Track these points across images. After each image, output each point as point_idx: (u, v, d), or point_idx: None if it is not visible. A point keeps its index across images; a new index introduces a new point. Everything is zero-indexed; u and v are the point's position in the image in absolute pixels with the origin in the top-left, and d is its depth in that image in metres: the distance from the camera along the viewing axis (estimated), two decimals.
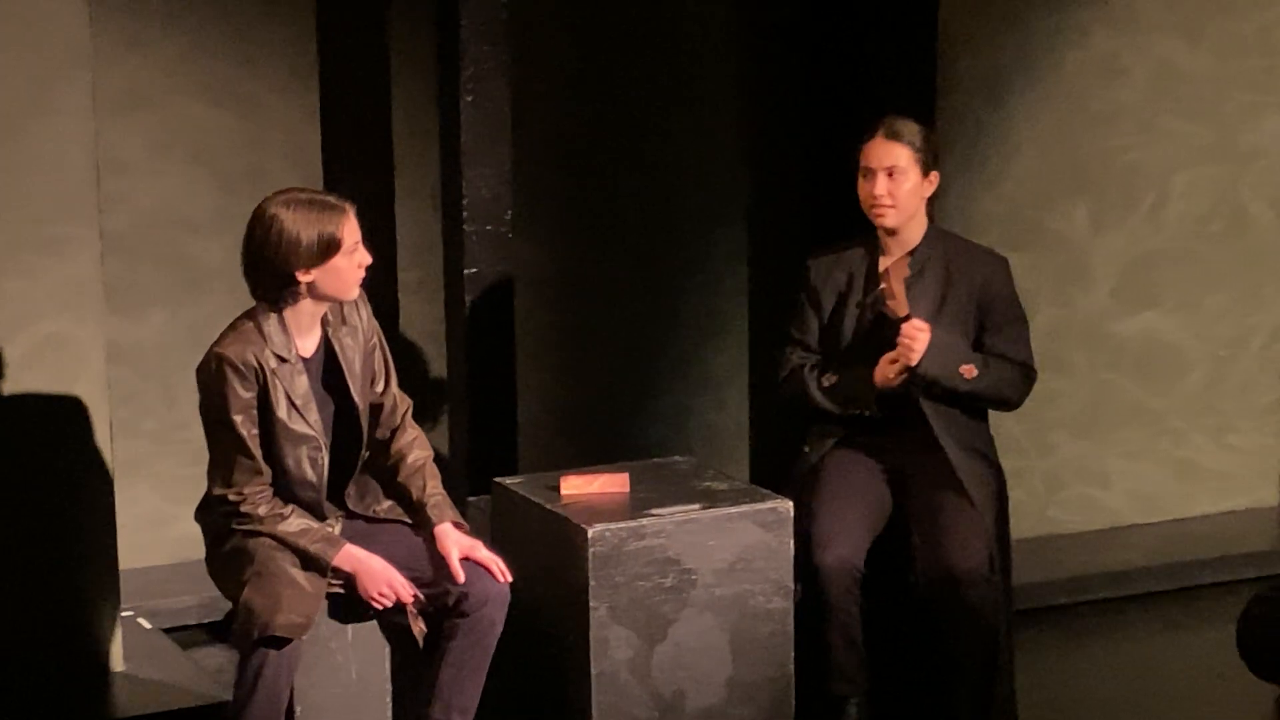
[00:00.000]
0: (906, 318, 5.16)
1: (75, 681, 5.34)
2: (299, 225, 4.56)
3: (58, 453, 5.31)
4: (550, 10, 6.54)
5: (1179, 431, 6.86)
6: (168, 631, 5.85)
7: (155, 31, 6.17)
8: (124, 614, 5.53)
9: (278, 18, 6.31)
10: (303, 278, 4.59)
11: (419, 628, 4.72)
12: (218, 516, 4.67)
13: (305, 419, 4.66)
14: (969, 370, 5.22)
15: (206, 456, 4.76)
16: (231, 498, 4.62)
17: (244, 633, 4.55)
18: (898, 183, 5.19)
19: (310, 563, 4.62)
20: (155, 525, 6.27)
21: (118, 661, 5.44)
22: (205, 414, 4.67)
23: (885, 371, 5.20)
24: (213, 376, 4.59)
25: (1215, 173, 6.75)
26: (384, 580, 4.65)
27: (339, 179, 6.23)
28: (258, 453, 4.62)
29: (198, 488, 4.85)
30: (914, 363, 5.16)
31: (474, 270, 6.07)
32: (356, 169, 6.34)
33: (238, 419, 4.59)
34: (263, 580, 4.56)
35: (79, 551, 5.34)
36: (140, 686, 5.38)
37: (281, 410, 4.62)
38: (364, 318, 4.82)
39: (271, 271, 4.58)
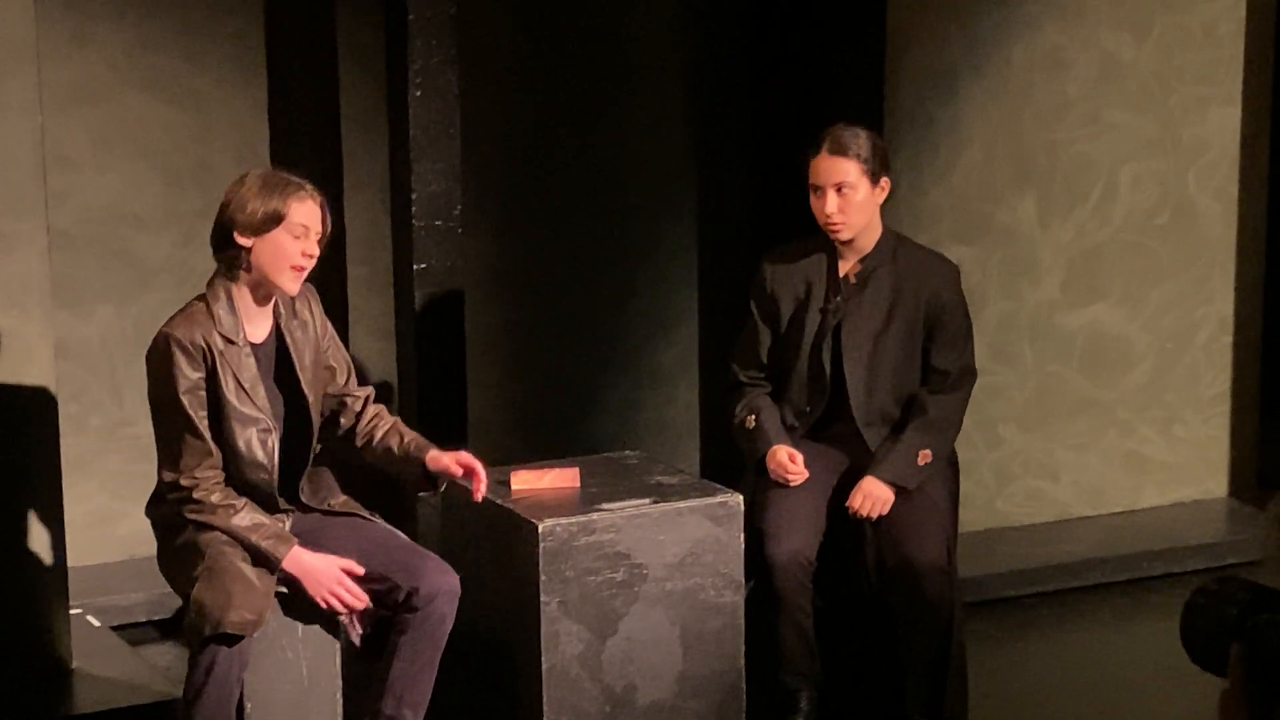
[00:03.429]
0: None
1: (24, 680, 5.31)
2: (254, 190, 4.63)
3: (5, 450, 5.28)
4: (499, 4, 6.54)
5: (1126, 424, 6.89)
6: (117, 629, 5.83)
7: (101, 26, 6.15)
8: (73, 612, 5.50)
9: (225, 11, 6.28)
10: (242, 241, 4.61)
11: (355, 632, 4.72)
12: (168, 504, 4.65)
13: (253, 401, 4.65)
14: (925, 456, 5.23)
15: (155, 452, 4.74)
16: (183, 483, 4.60)
17: (195, 629, 4.53)
18: (848, 198, 5.17)
19: (260, 559, 4.61)
20: (103, 522, 6.25)
21: (67, 660, 5.41)
22: (154, 396, 4.66)
23: (855, 503, 5.23)
24: (161, 356, 4.60)
25: (1162, 166, 6.78)
26: (331, 584, 4.64)
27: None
28: (207, 434, 4.61)
29: (146, 484, 4.83)
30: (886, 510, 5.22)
31: (423, 265, 6.07)
32: (305, 164, 6.31)
33: (185, 399, 4.58)
34: (213, 576, 4.55)
35: (27, 549, 5.31)
36: (90, 684, 5.36)
37: (230, 392, 4.62)
38: (315, 315, 4.83)
39: (219, 230, 4.64)
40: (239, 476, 4.67)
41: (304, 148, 6.38)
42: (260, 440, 4.67)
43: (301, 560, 4.63)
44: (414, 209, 6.03)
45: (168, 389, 4.59)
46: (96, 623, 5.74)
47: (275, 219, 4.61)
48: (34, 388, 5.31)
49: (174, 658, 5.80)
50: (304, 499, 4.83)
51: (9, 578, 5.30)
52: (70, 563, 5.48)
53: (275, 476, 4.73)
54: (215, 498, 4.61)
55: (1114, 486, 6.91)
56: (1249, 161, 6.90)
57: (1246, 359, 7.03)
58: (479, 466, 4.81)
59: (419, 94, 5.98)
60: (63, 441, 5.46)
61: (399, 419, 4.96)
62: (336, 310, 6.27)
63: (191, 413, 4.59)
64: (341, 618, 4.71)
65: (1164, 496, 6.98)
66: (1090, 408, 6.83)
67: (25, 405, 5.28)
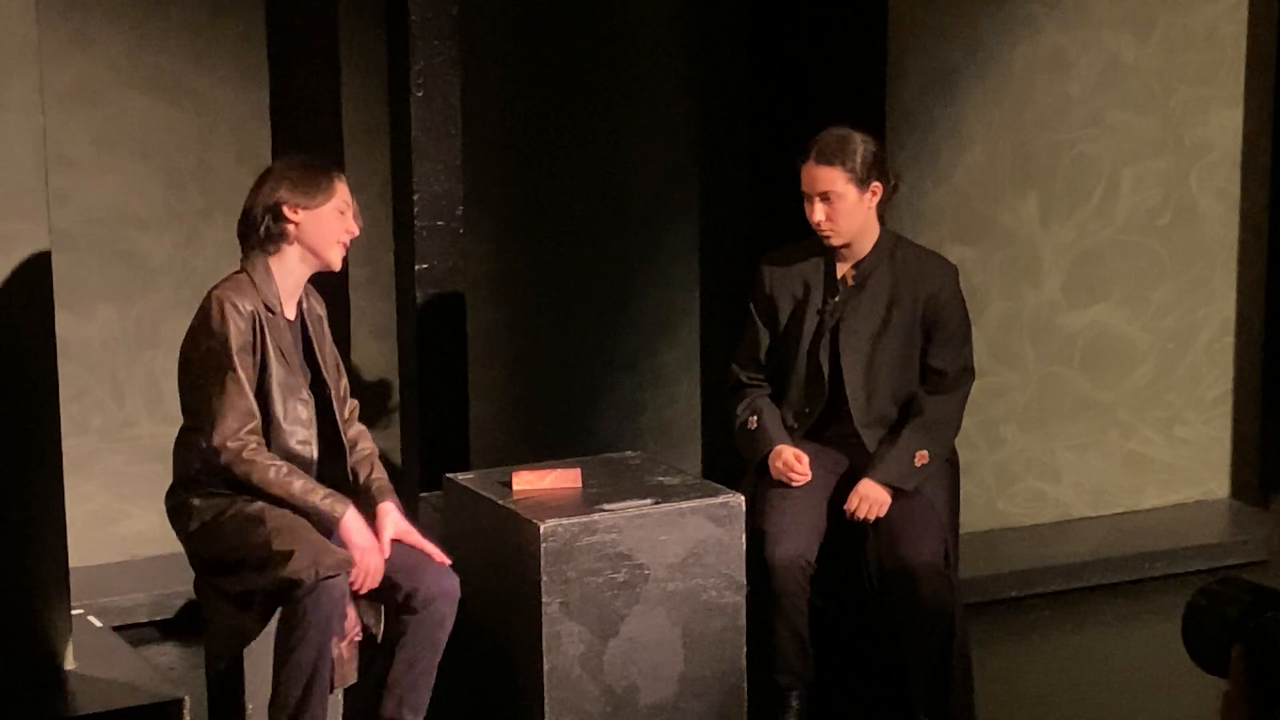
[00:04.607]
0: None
1: (26, 680, 5.31)
2: (296, 169, 4.75)
3: (6, 450, 5.28)
4: (500, 6, 6.54)
5: (1128, 424, 6.89)
6: (118, 629, 5.83)
7: (103, 27, 6.15)
8: (74, 612, 5.50)
9: (227, 12, 6.29)
10: (291, 216, 4.68)
11: (342, 672, 4.72)
12: (215, 469, 4.63)
13: (292, 369, 4.69)
14: (922, 457, 5.23)
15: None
16: (231, 445, 4.60)
17: (294, 581, 4.50)
18: (835, 205, 5.17)
19: (316, 519, 4.62)
20: (105, 523, 6.25)
21: (69, 660, 5.41)
22: (201, 358, 4.65)
23: (852, 505, 5.23)
24: (214, 318, 4.62)
25: (1163, 166, 6.78)
26: (373, 558, 4.64)
27: None
28: (253, 397, 4.63)
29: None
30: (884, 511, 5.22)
31: (425, 266, 6.07)
32: None
33: (238, 359, 4.61)
34: (285, 533, 4.56)
35: (29, 550, 5.31)
36: (91, 685, 5.35)
37: (273, 357, 4.67)
38: (325, 320, 4.89)
39: (264, 207, 4.68)
40: (282, 442, 4.68)
41: (306, 148, 6.37)
42: (301, 406, 4.71)
43: (359, 523, 4.65)
44: (415, 210, 6.04)
45: (222, 348, 4.61)
46: (98, 623, 5.74)
47: (328, 193, 4.71)
48: (35, 388, 5.31)
49: (175, 658, 5.80)
50: (355, 483, 4.85)
51: (10, 578, 5.30)
52: (71, 563, 5.47)
53: (315, 446, 4.74)
54: (264, 458, 4.62)
55: (1115, 487, 6.91)
56: (1251, 162, 6.90)
57: (1248, 360, 7.02)
58: (428, 549, 4.78)
59: (420, 95, 5.98)
60: (64, 442, 5.45)
61: (376, 450, 4.95)
62: (338, 311, 6.27)
63: (243, 373, 4.62)
64: (343, 649, 4.71)
65: (1165, 497, 6.98)
66: (1091, 408, 6.83)
67: (26, 406, 5.28)
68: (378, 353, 6.54)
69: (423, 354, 6.14)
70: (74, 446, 5.99)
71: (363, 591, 4.66)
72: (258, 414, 4.65)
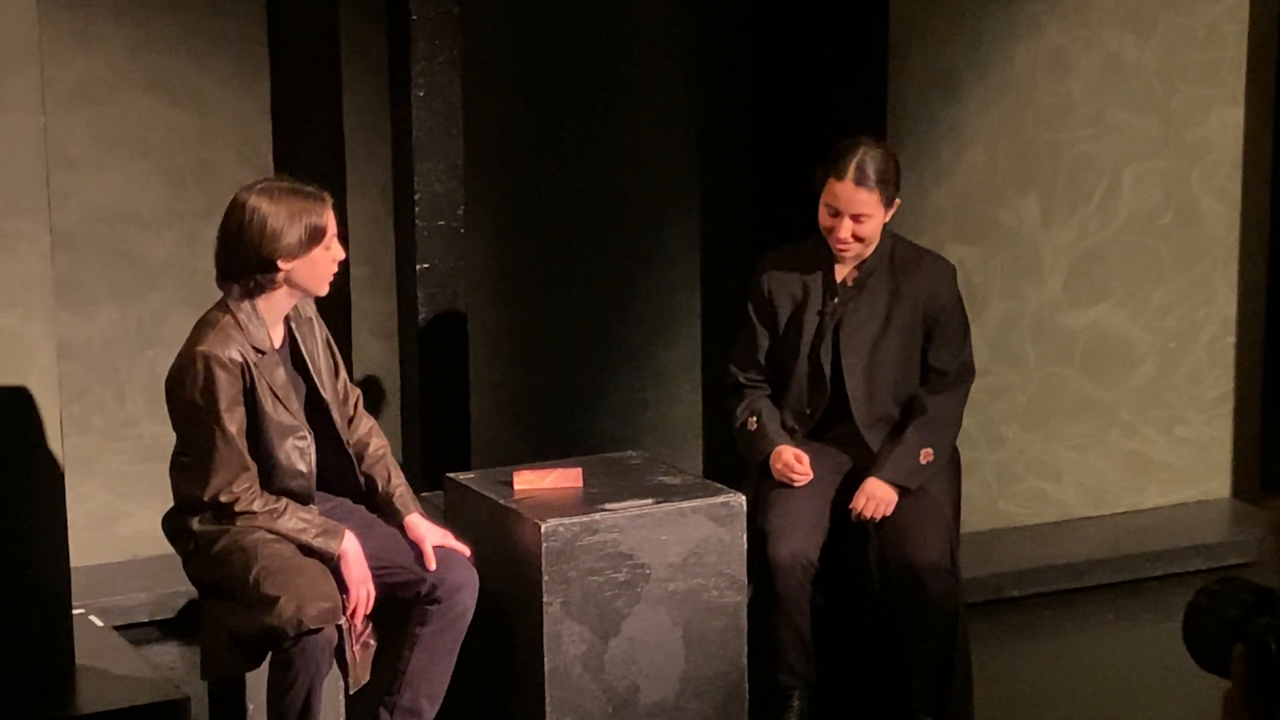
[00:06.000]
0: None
1: (27, 680, 5.31)
2: (284, 214, 4.56)
3: (7, 450, 5.28)
4: (500, 6, 6.54)
5: (1129, 424, 6.89)
6: (119, 629, 5.83)
7: (104, 26, 6.15)
8: (75, 612, 5.50)
9: (227, 12, 6.29)
10: (284, 266, 4.57)
11: (355, 674, 4.71)
12: (208, 521, 4.61)
13: (288, 408, 4.64)
14: (927, 455, 5.23)
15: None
16: (223, 499, 4.57)
17: (277, 632, 4.49)
18: (864, 225, 5.18)
19: (313, 555, 4.61)
20: (106, 522, 6.25)
21: (70, 660, 5.41)
22: (188, 414, 4.60)
23: (858, 505, 5.23)
24: (198, 375, 4.54)
25: (1164, 166, 6.77)
26: (365, 581, 4.64)
27: (290, 174, 6.20)
28: (245, 448, 4.58)
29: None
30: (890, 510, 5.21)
31: (426, 265, 6.07)
32: (308, 164, 6.32)
33: (227, 416, 4.54)
34: (275, 576, 4.52)
35: (30, 549, 5.31)
36: (93, 684, 5.35)
37: (267, 403, 4.60)
38: (314, 311, 4.82)
39: (253, 260, 4.56)
40: (279, 484, 4.65)
41: (307, 148, 6.38)
42: (298, 449, 4.66)
43: (356, 556, 4.63)
44: (417, 209, 6.04)
45: (208, 407, 4.55)
46: (99, 623, 5.74)
47: (319, 237, 4.59)
48: (36, 388, 5.31)
49: (176, 657, 5.80)
50: (366, 488, 4.84)
51: (12, 578, 5.30)
52: (73, 563, 5.48)
53: (313, 482, 4.72)
54: (257, 505, 4.59)
55: (1116, 487, 6.91)
56: (1251, 162, 6.90)
57: (1249, 359, 7.02)
58: (465, 553, 4.81)
59: (422, 95, 5.98)
60: (65, 442, 5.45)
61: (388, 446, 4.94)
62: (339, 311, 6.27)
63: (232, 429, 4.55)
64: (349, 650, 4.69)
65: (1166, 497, 6.98)
66: (1092, 408, 6.83)
67: (27, 405, 5.28)
68: (379, 352, 6.54)
69: (424, 353, 6.14)
70: (75, 446, 5.99)
71: (356, 617, 4.65)
72: (250, 464, 4.60)
